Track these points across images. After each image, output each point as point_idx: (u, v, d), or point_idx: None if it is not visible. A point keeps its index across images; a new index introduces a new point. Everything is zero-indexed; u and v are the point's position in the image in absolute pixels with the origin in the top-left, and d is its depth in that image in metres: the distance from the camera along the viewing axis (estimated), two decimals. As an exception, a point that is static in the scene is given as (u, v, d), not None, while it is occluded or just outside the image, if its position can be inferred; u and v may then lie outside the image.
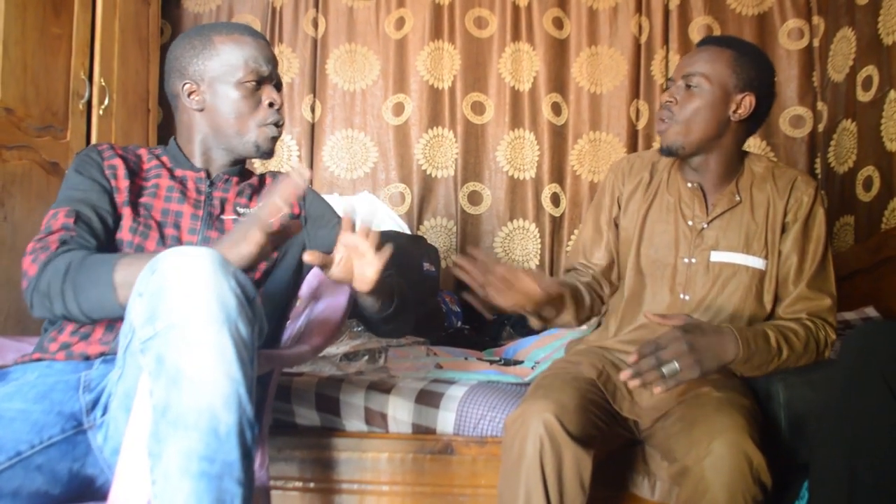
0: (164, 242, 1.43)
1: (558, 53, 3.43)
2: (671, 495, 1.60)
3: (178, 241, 1.45)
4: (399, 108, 3.46)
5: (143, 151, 1.56)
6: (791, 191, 1.67)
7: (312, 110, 3.49)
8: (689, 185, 1.72)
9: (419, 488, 1.80)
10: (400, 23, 3.50)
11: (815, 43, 3.27)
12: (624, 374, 1.40)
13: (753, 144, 3.24)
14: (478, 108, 3.44)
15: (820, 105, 3.24)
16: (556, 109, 3.38)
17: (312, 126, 3.49)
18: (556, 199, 3.37)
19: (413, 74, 3.47)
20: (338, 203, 2.92)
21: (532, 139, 3.39)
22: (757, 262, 1.65)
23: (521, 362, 2.27)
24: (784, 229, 1.67)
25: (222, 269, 1.05)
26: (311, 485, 1.83)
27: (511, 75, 3.42)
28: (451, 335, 2.70)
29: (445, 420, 1.81)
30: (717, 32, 3.35)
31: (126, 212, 1.44)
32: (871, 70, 2.79)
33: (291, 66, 3.51)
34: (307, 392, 1.89)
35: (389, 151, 3.45)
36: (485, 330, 2.72)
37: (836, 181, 3.05)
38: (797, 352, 1.56)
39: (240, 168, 1.58)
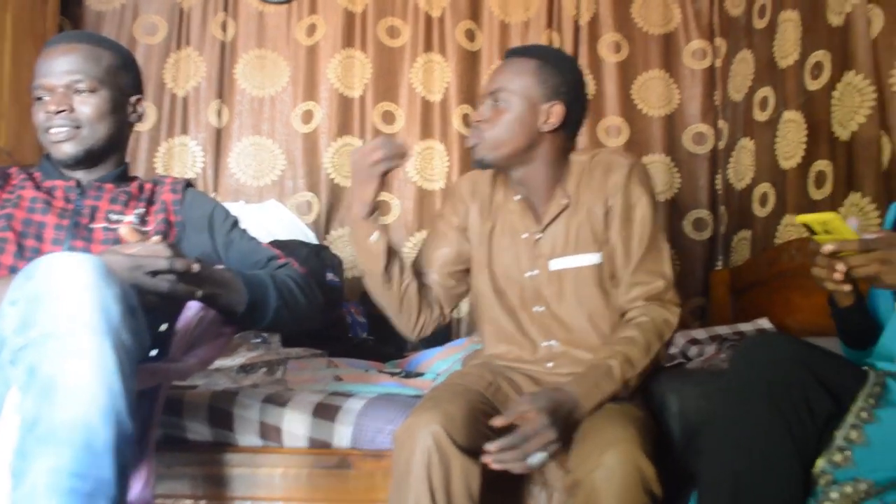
0: (22, 255, 1.38)
1: (470, 65, 3.44)
2: (567, 507, 1.61)
3: (39, 253, 1.38)
4: (308, 116, 3.40)
5: (13, 170, 1.53)
6: (609, 174, 1.66)
7: (219, 115, 3.40)
8: (516, 198, 1.73)
9: (315, 504, 1.76)
10: (311, 29, 3.45)
11: (717, 63, 3.37)
12: (486, 458, 1.36)
13: (659, 160, 3.32)
14: (388, 117, 3.42)
15: (721, 123, 3.34)
16: (467, 121, 3.39)
17: (219, 132, 3.40)
18: (465, 211, 3.37)
19: (323, 82, 3.42)
20: (244, 211, 2.85)
21: (442, 150, 3.38)
22: (592, 259, 1.65)
23: (423, 374, 2.25)
24: (608, 214, 1.65)
25: (104, 276, 1.01)
26: (203, 502, 1.77)
27: (422, 86, 3.41)
28: (355, 346, 2.66)
29: (342, 434, 1.78)
30: (624, 50, 3.42)
31: None
32: (767, 91, 2.90)
33: (198, 70, 3.41)
34: (200, 406, 1.83)
35: (298, 159, 3.39)
36: (390, 341, 2.68)
37: (734, 197, 3.15)
38: (641, 360, 1.53)
39: (115, 174, 1.54)
